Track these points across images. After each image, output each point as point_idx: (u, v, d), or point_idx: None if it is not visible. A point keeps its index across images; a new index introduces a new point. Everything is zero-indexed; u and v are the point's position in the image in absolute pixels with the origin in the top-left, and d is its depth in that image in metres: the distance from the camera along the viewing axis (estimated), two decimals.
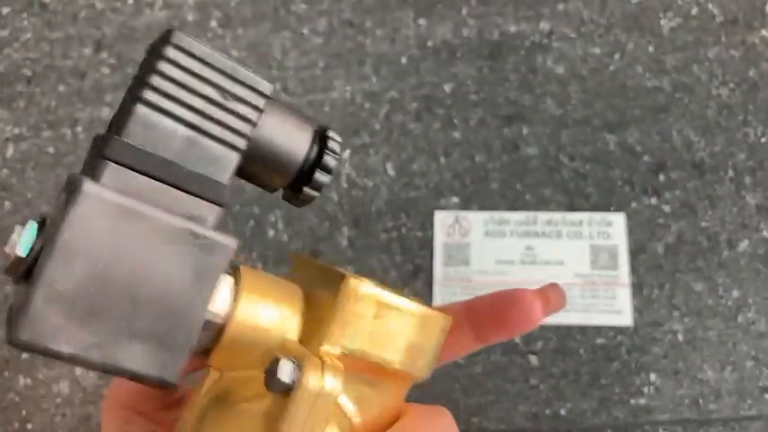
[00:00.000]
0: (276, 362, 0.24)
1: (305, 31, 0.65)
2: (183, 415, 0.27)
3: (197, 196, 0.24)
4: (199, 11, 0.66)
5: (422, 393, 0.51)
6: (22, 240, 0.23)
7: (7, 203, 0.60)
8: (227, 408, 0.27)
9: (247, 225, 0.59)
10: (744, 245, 0.56)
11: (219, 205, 0.25)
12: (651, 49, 0.61)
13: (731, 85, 0.60)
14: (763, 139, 0.58)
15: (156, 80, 0.24)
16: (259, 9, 0.66)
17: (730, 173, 0.57)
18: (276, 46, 0.65)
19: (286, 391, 0.24)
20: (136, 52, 0.65)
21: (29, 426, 0.55)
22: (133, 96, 0.24)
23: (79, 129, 0.63)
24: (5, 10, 0.67)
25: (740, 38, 0.61)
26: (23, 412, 0.55)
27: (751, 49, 0.61)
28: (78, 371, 0.56)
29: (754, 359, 0.53)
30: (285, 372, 0.24)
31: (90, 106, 0.63)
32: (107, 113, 0.63)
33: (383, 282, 0.31)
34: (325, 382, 0.24)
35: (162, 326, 0.24)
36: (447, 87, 0.61)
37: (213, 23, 0.66)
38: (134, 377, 0.24)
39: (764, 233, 0.56)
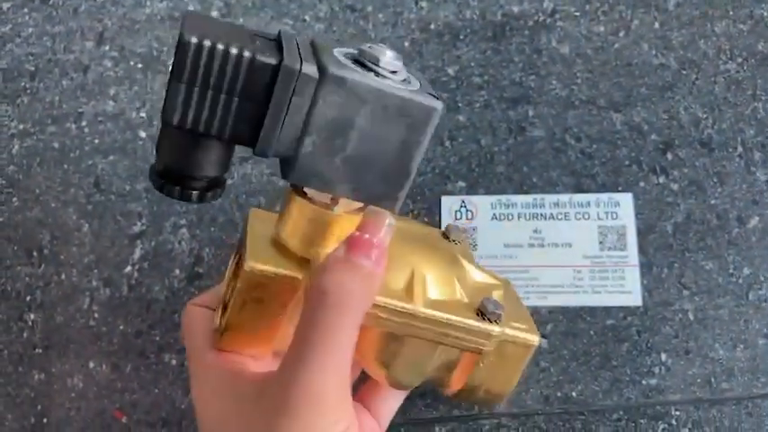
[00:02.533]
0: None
1: (306, 17, 0.64)
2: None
3: None
4: (200, 1, 0.66)
5: None
6: None
7: (15, 200, 0.60)
8: None
9: None
10: (754, 221, 0.55)
11: None
12: (657, 25, 0.60)
13: (739, 60, 0.59)
14: None
15: None
16: None
17: (739, 149, 0.57)
18: None
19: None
20: (138, 44, 0.65)
21: (45, 420, 0.56)
22: None
23: (84, 123, 0.63)
24: (6, 5, 0.67)
25: (748, 11, 0.60)
26: (39, 407, 0.56)
27: (759, 22, 0.60)
28: (91, 364, 0.56)
29: (766, 337, 0.53)
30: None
31: (94, 100, 0.63)
32: (111, 107, 0.63)
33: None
34: None
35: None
36: (451, 70, 0.61)
37: (215, 13, 0.65)
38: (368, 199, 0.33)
39: None
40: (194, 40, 0.29)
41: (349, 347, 0.32)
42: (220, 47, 0.29)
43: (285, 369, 0.32)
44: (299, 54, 0.30)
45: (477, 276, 0.42)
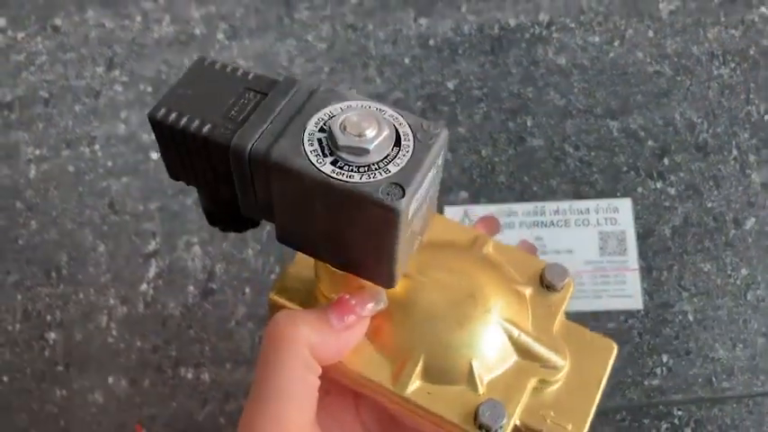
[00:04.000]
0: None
1: (309, 37, 0.66)
2: None
3: None
4: (205, 24, 0.68)
5: None
6: None
7: (33, 223, 0.63)
8: None
9: (264, 230, 0.61)
10: (750, 223, 0.56)
11: None
12: (651, 33, 0.62)
13: (732, 65, 0.60)
14: (766, 117, 0.59)
15: None
16: (264, 19, 0.68)
17: (734, 152, 0.58)
18: (282, 54, 0.66)
19: None
20: (147, 68, 0.67)
21: None
22: None
23: (97, 146, 0.65)
24: (20, 35, 0.69)
25: (739, 16, 0.62)
26: (62, 422, 0.58)
27: (750, 27, 0.61)
28: (110, 379, 0.58)
29: (765, 335, 0.54)
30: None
31: (106, 123, 0.66)
32: (123, 130, 0.65)
33: None
34: None
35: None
36: (450, 84, 0.63)
37: (220, 36, 0.67)
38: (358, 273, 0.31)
39: None
40: (159, 114, 0.29)
41: (289, 378, 0.31)
42: (181, 123, 0.29)
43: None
44: (263, 128, 0.29)
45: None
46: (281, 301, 0.37)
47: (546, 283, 0.35)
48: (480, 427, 0.31)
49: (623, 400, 0.53)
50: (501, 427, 0.31)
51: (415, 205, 0.28)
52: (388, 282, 0.30)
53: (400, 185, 0.27)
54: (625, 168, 0.59)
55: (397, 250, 0.28)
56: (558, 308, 0.35)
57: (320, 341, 0.31)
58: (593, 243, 0.57)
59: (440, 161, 0.30)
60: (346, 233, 0.29)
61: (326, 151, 0.27)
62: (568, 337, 0.35)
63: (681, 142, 0.59)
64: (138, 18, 0.69)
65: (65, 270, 0.61)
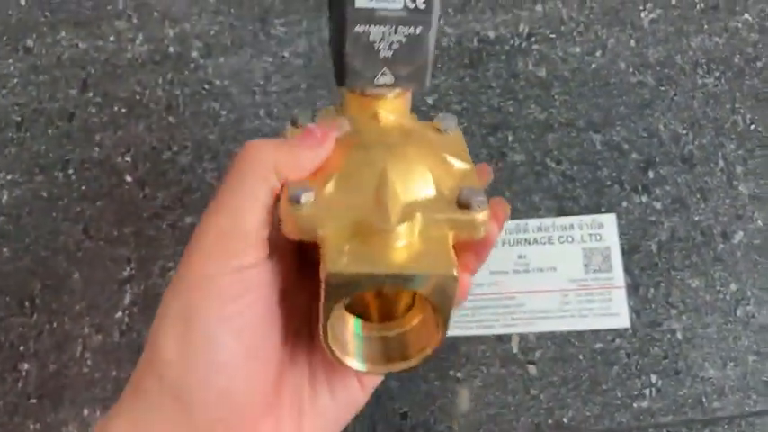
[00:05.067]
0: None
1: (286, 53, 0.65)
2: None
3: None
4: (180, 43, 0.66)
5: (420, 408, 0.52)
6: None
7: (6, 250, 0.61)
8: None
9: None
10: (739, 236, 0.55)
11: None
12: (633, 43, 0.61)
13: (716, 74, 0.59)
14: (752, 127, 0.57)
15: None
16: (239, 36, 0.66)
17: (721, 164, 0.57)
18: (258, 71, 0.65)
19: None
20: (120, 89, 0.66)
21: None
22: None
23: (70, 170, 0.63)
24: None
25: (722, 24, 0.60)
26: None
27: (734, 34, 0.60)
28: (86, 411, 0.56)
29: (756, 353, 0.52)
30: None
31: (80, 147, 0.64)
32: (97, 153, 0.64)
33: None
34: None
35: None
36: (430, 100, 0.61)
37: (194, 54, 0.66)
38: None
39: (759, 222, 0.55)
40: None
41: (253, 196, 0.32)
42: None
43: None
44: None
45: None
46: None
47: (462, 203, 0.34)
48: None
49: (612, 423, 0.52)
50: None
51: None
52: (339, 78, 0.36)
53: None
54: (609, 182, 0.57)
55: (347, 36, 0.34)
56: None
57: (279, 156, 0.33)
58: (578, 260, 0.56)
59: None
60: (332, 28, 0.36)
61: None
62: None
63: (666, 154, 0.57)
64: (112, 38, 0.68)
65: (38, 299, 0.60)
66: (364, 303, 0.36)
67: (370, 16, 0.34)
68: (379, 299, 0.37)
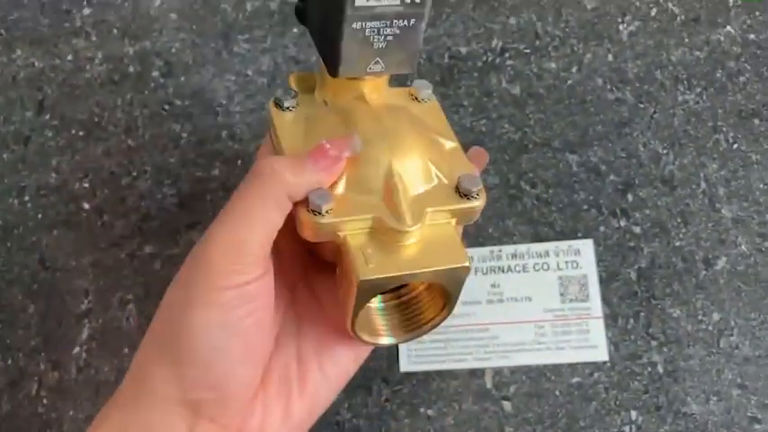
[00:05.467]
0: None
1: (249, 72, 0.62)
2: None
3: None
4: (140, 62, 0.64)
5: None
6: None
7: None
8: None
9: None
10: (722, 262, 0.52)
11: None
12: (610, 57, 0.58)
13: (698, 90, 0.56)
14: (735, 146, 0.55)
15: None
16: (200, 53, 0.63)
17: (702, 185, 0.54)
18: (221, 91, 0.62)
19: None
20: (78, 111, 0.63)
21: None
22: None
23: (26, 198, 0.61)
24: None
25: (704, 37, 0.58)
26: None
27: (716, 48, 0.57)
28: None
29: (740, 387, 0.50)
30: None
31: (36, 173, 0.61)
32: (54, 179, 0.61)
33: None
34: None
35: None
36: None
37: (155, 73, 0.63)
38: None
39: (743, 247, 0.52)
40: None
41: (266, 218, 0.34)
42: None
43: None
44: None
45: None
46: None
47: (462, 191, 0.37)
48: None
49: None
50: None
51: None
52: (332, 69, 0.37)
53: None
54: (586, 206, 0.55)
55: (343, 32, 0.35)
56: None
57: (295, 181, 0.34)
58: (554, 289, 0.53)
59: None
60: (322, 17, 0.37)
61: None
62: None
63: (645, 176, 0.55)
64: (70, 56, 0.65)
65: None
66: None
67: (369, 13, 0.35)
68: None
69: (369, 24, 0.35)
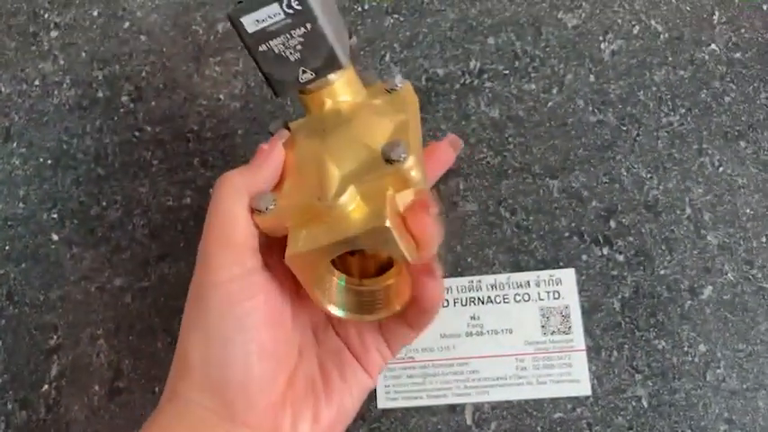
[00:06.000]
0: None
1: (221, 95, 0.60)
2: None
3: None
4: (109, 86, 0.62)
5: None
6: None
7: None
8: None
9: (175, 319, 0.55)
10: (708, 291, 0.51)
11: None
12: (592, 78, 0.56)
13: (682, 111, 0.55)
14: (720, 169, 0.53)
15: None
16: (171, 77, 0.61)
17: (688, 211, 0.52)
18: (192, 116, 0.60)
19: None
20: (47, 138, 0.61)
21: None
22: None
23: None
24: None
25: (688, 56, 0.56)
26: None
27: (701, 67, 0.55)
28: None
29: (727, 421, 0.48)
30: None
31: (2, 203, 0.60)
32: (21, 209, 0.59)
33: None
34: None
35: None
36: None
37: (124, 98, 0.61)
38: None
39: (730, 276, 0.51)
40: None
41: (232, 213, 0.38)
42: None
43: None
44: None
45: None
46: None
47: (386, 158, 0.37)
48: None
49: None
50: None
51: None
52: (274, 93, 0.41)
53: None
54: (567, 234, 0.53)
55: (257, 58, 0.39)
56: None
57: (250, 179, 0.39)
58: (535, 321, 0.51)
59: None
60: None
61: None
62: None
63: (628, 201, 0.53)
64: (37, 81, 0.63)
65: None
66: (347, 263, 0.40)
67: (264, 35, 0.38)
68: (360, 260, 0.40)
69: (272, 43, 0.38)
